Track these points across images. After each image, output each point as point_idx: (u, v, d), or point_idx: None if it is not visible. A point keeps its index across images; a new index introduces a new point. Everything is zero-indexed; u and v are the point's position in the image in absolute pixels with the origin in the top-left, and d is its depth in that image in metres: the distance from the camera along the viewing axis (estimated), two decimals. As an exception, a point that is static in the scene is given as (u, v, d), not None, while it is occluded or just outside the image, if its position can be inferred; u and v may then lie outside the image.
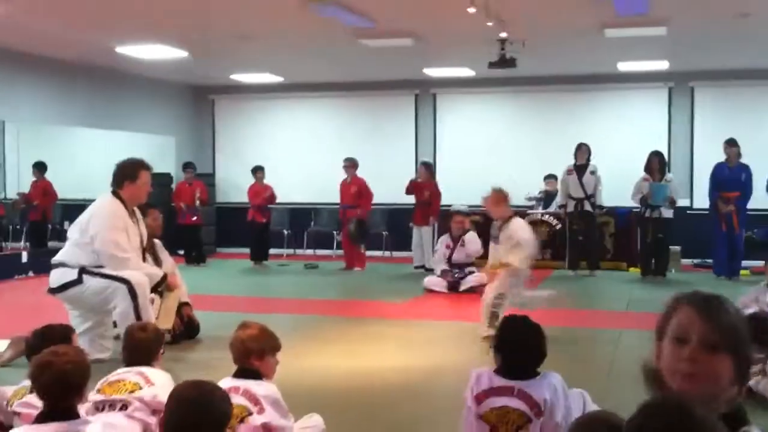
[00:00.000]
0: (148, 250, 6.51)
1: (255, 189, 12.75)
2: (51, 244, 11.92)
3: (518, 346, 3.27)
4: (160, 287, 6.12)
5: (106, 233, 5.76)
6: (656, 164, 10.87)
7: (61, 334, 3.80)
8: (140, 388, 3.41)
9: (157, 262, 6.61)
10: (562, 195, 11.52)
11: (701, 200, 11.97)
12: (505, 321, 3.44)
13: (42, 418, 2.78)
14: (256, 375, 3.40)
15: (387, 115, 14.27)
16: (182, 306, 6.77)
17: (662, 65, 12.12)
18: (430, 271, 10.54)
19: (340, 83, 14.16)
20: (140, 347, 3.66)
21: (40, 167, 12.65)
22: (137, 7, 8.30)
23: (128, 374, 3.51)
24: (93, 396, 3.39)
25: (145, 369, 3.54)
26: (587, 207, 11.25)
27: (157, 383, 3.45)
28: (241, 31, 9.61)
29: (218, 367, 4.57)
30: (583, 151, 11.27)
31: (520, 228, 6.72)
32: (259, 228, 12.70)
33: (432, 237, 11.67)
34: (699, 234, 11.66)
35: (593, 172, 11.22)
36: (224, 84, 14.44)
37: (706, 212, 11.32)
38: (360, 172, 12.14)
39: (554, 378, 3.25)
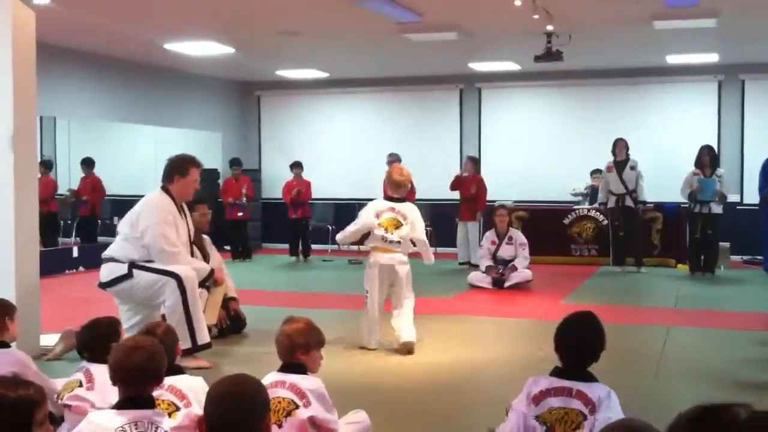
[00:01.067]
0: (197, 245, 6.59)
1: (289, 185, 12.86)
2: (101, 239, 12.12)
3: (579, 346, 3.24)
4: (207, 282, 6.18)
5: (156, 227, 5.82)
6: (707, 159, 10.67)
7: (109, 327, 3.86)
8: (177, 409, 3.28)
9: (205, 257, 6.68)
10: (603, 192, 11.38)
11: (751, 195, 11.73)
12: (567, 321, 3.35)
13: (121, 406, 2.80)
14: (301, 369, 3.42)
15: (432, 109, 14.24)
16: (229, 300, 6.84)
17: (712, 58, 11.90)
18: (476, 267, 10.49)
19: (385, 78, 14.16)
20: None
21: (88, 163, 12.87)
22: (185, 3, 8.39)
23: (162, 392, 3.27)
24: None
25: (174, 381, 3.33)
26: (628, 202, 11.10)
27: (191, 397, 3.31)
28: (287, 27, 9.67)
29: (264, 361, 4.61)
30: (620, 146, 11.12)
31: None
32: (294, 223, 12.81)
33: (478, 232, 11.62)
34: (749, 230, 11.44)
35: (633, 167, 11.06)
36: (270, 80, 14.55)
37: (756, 208, 11.10)
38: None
39: (608, 389, 3.22)
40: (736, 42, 10.73)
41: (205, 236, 6.95)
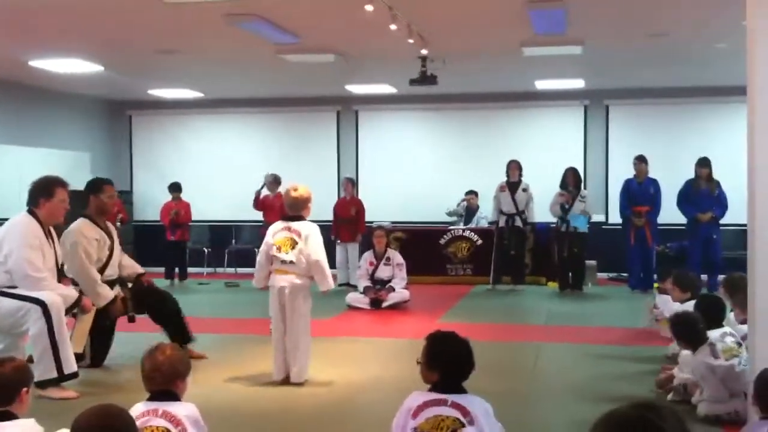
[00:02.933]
0: (105, 232, 6.44)
1: (167, 207, 12.56)
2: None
3: (451, 361, 3.35)
4: (75, 309, 5.93)
5: (20, 252, 5.56)
6: (572, 180, 11.17)
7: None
8: None
9: (113, 247, 6.52)
10: (494, 211, 11.66)
11: (616, 215, 12.30)
12: (435, 336, 3.46)
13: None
14: (174, 396, 3.32)
15: (310, 131, 14.24)
16: (139, 276, 6.75)
17: (578, 83, 12.44)
18: (355, 287, 10.53)
19: (263, 99, 14.08)
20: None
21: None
22: (51, 20, 8.08)
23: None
24: None
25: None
26: (518, 223, 11.44)
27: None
28: (162, 46, 9.46)
29: (133, 389, 4.45)
30: (514, 167, 11.46)
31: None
32: (172, 245, 12.51)
33: (358, 254, 11.67)
34: (614, 248, 11.97)
35: (525, 189, 11.42)
36: (142, 99, 14.19)
37: (621, 227, 11.64)
38: (282, 189, 12.07)
39: (486, 403, 3.35)
40: (600, 69, 11.25)
41: (112, 226, 6.74)
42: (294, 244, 5.96)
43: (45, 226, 5.78)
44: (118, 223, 12.29)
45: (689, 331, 5.14)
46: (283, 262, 5.95)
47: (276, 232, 6.03)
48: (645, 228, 11.06)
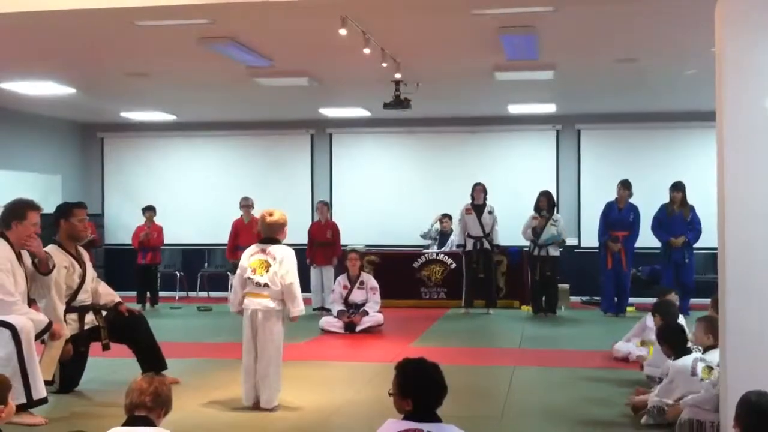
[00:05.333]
0: (74, 257, 6.35)
1: (140, 230, 12.44)
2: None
3: (423, 388, 3.30)
4: (44, 335, 5.83)
5: None
6: (545, 203, 11.23)
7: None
8: None
9: (84, 270, 6.44)
10: (460, 234, 11.67)
11: (588, 239, 12.38)
12: (404, 365, 3.41)
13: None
14: (148, 422, 3.29)
15: (283, 154, 14.21)
16: (117, 305, 6.63)
17: (550, 108, 12.55)
18: (329, 311, 10.47)
19: (235, 122, 14.05)
20: None
21: None
22: (22, 42, 8.02)
23: None
24: None
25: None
26: (486, 245, 11.46)
27: None
28: (133, 69, 9.42)
29: (103, 415, 4.39)
30: (478, 190, 11.51)
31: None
32: (143, 269, 12.36)
33: (333, 277, 11.62)
34: (587, 272, 12.04)
35: (491, 212, 11.46)
36: (114, 122, 14.10)
37: (594, 250, 11.70)
38: (256, 213, 12.02)
39: (457, 429, 3.30)
40: (571, 94, 11.36)
41: (83, 251, 6.62)
42: (268, 266, 5.91)
43: (16, 249, 5.70)
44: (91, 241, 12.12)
45: (676, 337, 5.50)
46: (257, 284, 5.91)
47: (251, 255, 6.00)
48: (621, 253, 11.11)
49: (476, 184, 11.59)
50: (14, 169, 12.78)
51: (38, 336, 5.71)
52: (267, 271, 5.90)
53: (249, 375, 5.89)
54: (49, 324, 5.82)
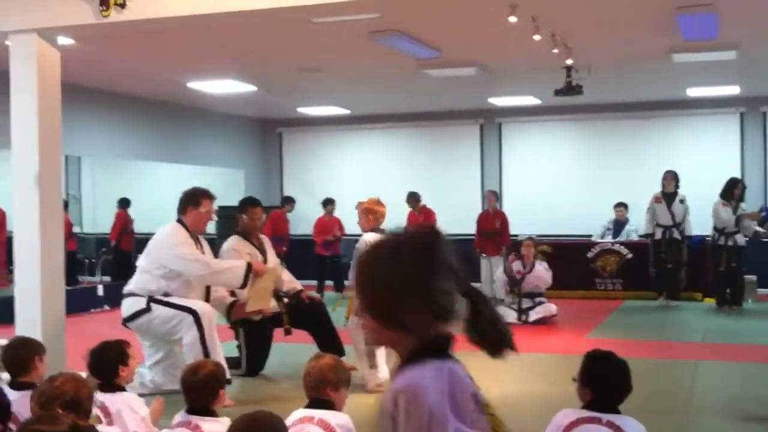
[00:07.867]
0: (256, 247, 6.67)
1: (322, 222, 12.83)
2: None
3: (608, 382, 3.27)
4: (248, 277, 6.06)
5: (174, 250, 5.88)
6: (739, 192, 10.57)
7: (117, 349, 3.90)
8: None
9: (265, 256, 6.73)
10: (648, 223, 11.23)
11: (778, 227, 11.61)
12: (592, 357, 3.37)
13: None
14: (330, 405, 3.40)
15: (452, 145, 14.26)
16: (299, 293, 6.88)
17: (733, 90, 11.86)
18: (501, 301, 10.42)
19: (405, 114, 14.22)
20: (194, 392, 3.50)
21: (122, 203, 13.06)
22: (207, 43, 8.50)
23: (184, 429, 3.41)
24: None
25: (200, 422, 3.40)
26: (675, 235, 10.98)
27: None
28: (307, 65, 9.75)
29: (287, 398, 4.57)
30: (669, 178, 11.01)
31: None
32: (323, 260, 12.75)
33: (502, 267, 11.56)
34: (776, 262, 11.31)
35: (683, 201, 10.96)
36: (291, 117, 14.66)
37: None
38: (426, 203, 12.14)
39: (641, 426, 3.24)
40: (756, 74, 10.69)
41: (264, 237, 6.99)
42: None
43: (192, 234, 6.06)
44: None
45: None
46: None
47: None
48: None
49: (667, 172, 11.07)
50: (202, 164, 13.56)
51: (244, 281, 6.00)
52: None
53: None
54: (249, 265, 6.09)
